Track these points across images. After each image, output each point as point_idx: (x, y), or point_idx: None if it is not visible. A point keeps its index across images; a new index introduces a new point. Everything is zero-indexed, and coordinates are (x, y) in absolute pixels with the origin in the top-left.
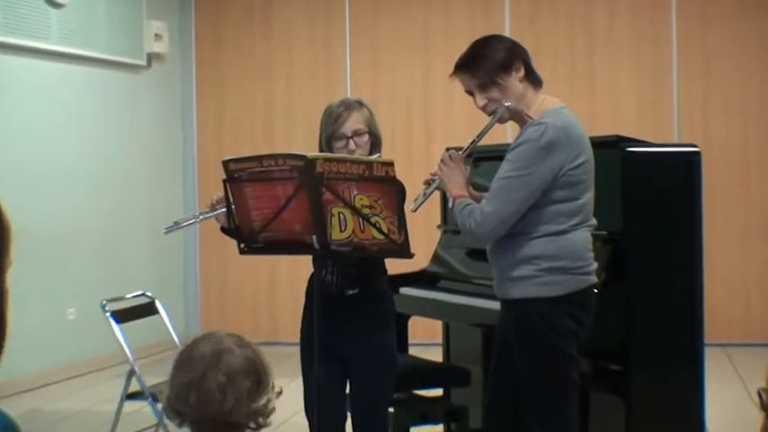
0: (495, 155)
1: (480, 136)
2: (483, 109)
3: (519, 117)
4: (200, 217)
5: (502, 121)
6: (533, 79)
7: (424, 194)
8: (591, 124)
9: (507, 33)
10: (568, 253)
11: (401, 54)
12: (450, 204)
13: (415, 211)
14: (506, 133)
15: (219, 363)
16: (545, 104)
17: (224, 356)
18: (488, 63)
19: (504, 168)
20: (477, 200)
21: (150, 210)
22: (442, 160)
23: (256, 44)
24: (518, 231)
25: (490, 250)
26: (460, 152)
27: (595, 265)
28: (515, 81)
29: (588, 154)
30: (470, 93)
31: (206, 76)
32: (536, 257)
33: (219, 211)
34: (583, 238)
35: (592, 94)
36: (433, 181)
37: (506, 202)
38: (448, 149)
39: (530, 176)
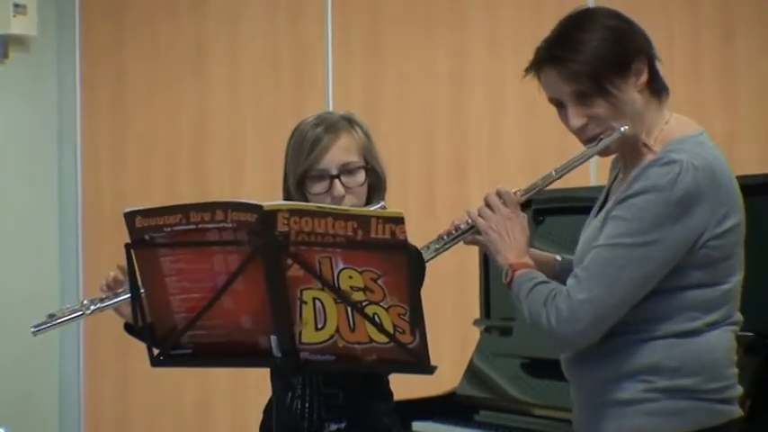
0: (572, 204)
1: (563, 172)
2: (579, 132)
3: (631, 147)
4: (91, 307)
5: (605, 152)
6: (658, 87)
7: (437, 249)
8: (729, 155)
9: (591, 5)
10: (700, 366)
11: (416, 38)
12: (504, 278)
13: None
14: (588, 169)
15: None
16: (670, 128)
17: None
18: (594, 57)
19: (611, 231)
20: (550, 272)
21: (9, 293)
22: (486, 203)
23: (180, 23)
24: (623, 329)
25: (569, 358)
26: (519, 192)
27: (740, 388)
28: (633, 91)
29: (741, 213)
30: (557, 103)
31: (98, 75)
32: (650, 371)
33: (120, 299)
34: (724, 342)
35: (730, 105)
36: (459, 230)
37: (612, 285)
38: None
39: (653, 247)
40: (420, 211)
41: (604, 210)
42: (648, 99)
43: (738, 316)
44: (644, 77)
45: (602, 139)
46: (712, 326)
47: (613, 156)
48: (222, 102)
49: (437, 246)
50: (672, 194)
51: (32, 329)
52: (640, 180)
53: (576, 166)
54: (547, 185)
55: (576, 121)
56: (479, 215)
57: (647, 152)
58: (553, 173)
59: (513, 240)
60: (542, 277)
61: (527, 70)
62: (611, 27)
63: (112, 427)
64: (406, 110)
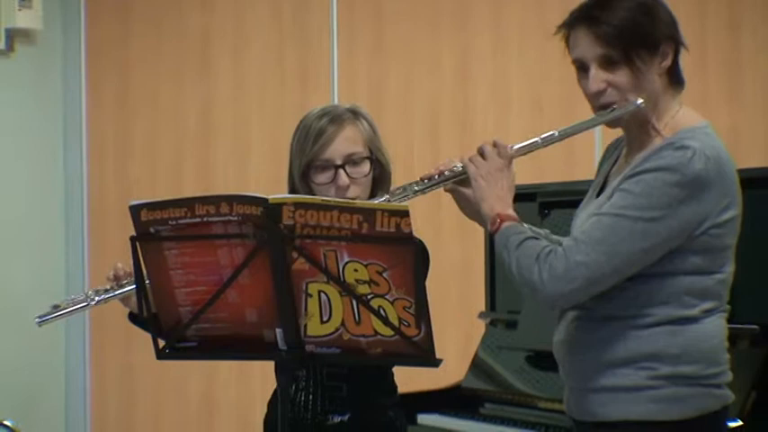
0: (577, 198)
1: (566, 134)
2: (595, 97)
3: (640, 128)
4: (95, 299)
5: (614, 124)
6: (676, 77)
7: (415, 191)
8: (733, 149)
9: None
10: (699, 353)
11: (421, 33)
12: (490, 226)
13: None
14: (592, 162)
15: None
16: (681, 117)
17: None
18: (627, 27)
19: (617, 202)
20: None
21: (13, 285)
22: (480, 152)
23: (186, 17)
24: (621, 313)
25: (564, 341)
26: (514, 147)
27: (731, 374)
28: (655, 72)
29: (740, 206)
30: (580, 65)
31: (104, 68)
32: (651, 357)
33: (125, 290)
34: (718, 329)
35: (735, 99)
36: (442, 175)
37: (611, 253)
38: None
39: (656, 224)
40: (425, 204)
41: (610, 187)
42: (666, 86)
43: (727, 305)
44: (668, 62)
45: (614, 108)
46: (708, 313)
47: (608, 144)
48: (227, 96)
49: (416, 188)
50: (683, 177)
51: (37, 320)
52: (653, 159)
53: (582, 131)
54: (546, 146)
55: (596, 85)
56: (471, 161)
57: (655, 135)
58: (556, 134)
59: (500, 191)
60: (531, 233)
61: (559, 28)
62: (648, 7)
63: (118, 419)
64: (411, 105)
